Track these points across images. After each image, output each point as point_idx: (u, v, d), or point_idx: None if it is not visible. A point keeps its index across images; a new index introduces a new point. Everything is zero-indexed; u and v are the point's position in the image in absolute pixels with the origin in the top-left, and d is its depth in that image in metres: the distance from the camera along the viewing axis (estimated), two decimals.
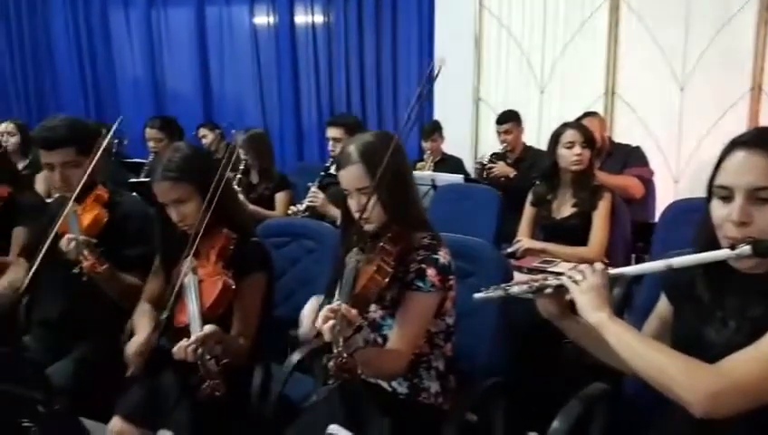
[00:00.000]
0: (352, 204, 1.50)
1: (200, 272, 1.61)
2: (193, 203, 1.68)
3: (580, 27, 4.44)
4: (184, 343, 1.43)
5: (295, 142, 5.46)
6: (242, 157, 3.50)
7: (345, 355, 1.18)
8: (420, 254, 1.46)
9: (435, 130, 4.35)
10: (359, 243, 1.47)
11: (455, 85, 4.67)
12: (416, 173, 3.94)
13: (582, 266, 1.23)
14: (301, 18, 5.32)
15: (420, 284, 1.43)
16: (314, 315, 1.40)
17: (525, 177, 3.62)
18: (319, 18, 5.25)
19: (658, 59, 4.18)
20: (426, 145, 4.36)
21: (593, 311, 1.16)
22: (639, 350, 1.10)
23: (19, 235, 2.34)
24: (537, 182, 2.94)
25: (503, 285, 1.37)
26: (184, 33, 5.56)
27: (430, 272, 1.43)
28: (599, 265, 1.22)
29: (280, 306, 2.08)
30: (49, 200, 2.73)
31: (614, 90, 4.42)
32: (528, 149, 4.05)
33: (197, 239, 1.63)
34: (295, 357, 1.75)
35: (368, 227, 1.49)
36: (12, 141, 3.91)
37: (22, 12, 5.76)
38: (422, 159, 4.41)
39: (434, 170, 4.13)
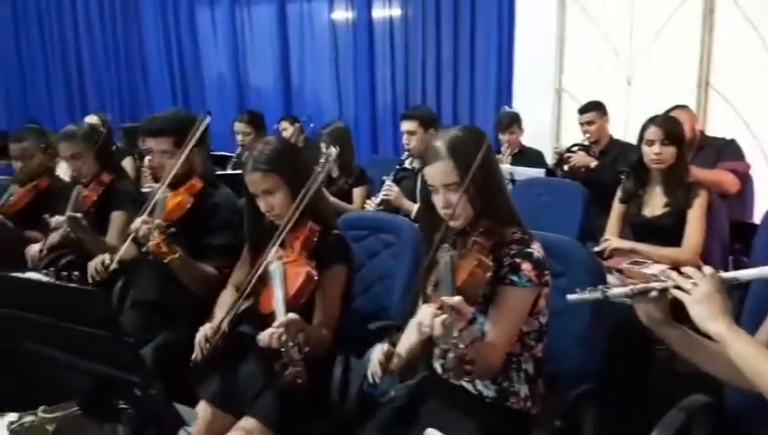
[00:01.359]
0: (438, 200, 1.46)
1: (284, 261, 1.64)
2: (281, 194, 1.72)
3: (672, 14, 4.19)
4: (269, 330, 1.45)
5: (370, 136, 5.49)
6: (323, 151, 3.54)
7: (462, 346, 1.14)
8: (513, 248, 1.41)
9: (513, 121, 4.22)
10: (446, 239, 1.43)
11: (535, 75, 4.54)
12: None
13: (690, 271, 1.14)
14: (378, 12, 5.35)
15: (515, 278, 1.39)
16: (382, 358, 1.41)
17: (609, 170, 3.47)
18: (397, 12, 5.25)
19: (757, 47, 3.87)
20: (503, 137, 4.25)
21: (711, 321, 1.09)
22: (763, 367, 1.02)
23: (117, 218, 2.53)
24: (623, 177, 2.83)
25: (600, 286, 1.31)
26: (265, 29, 5.72)
27: (525, 266, 1.39)
28: (708, 269, 1.13)
29: (357, 299, 2.08)
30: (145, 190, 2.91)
31: (708, 81, 4.15)
32: (614, 141, 3.86)
33: (286, 229, 1.67)
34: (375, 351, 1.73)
35: (454, 224, 1.46)
36: None
37: (116, 13, 6.11)
38: (499, 152, 4.32)
39: (512, 164, 4.03)
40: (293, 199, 1.73)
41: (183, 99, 6.06)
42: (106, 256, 2.09)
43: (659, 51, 4.25)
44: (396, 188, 3.18)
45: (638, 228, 2.61)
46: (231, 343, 1.90)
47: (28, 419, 2.28)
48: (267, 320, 1.55)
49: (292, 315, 1.47)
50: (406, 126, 3.25)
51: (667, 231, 2.49)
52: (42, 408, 2.30)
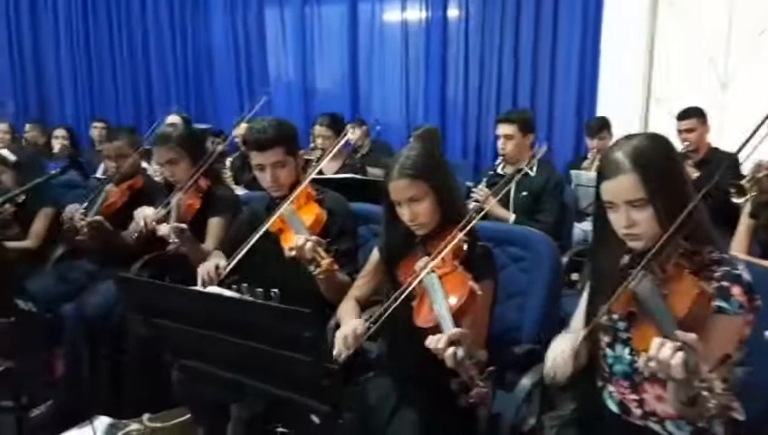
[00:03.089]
0: (619, 218, 1.32)
1: (438, 272, 1.52)
2: (426, 202, 1.62)
3: None
4: (436, 336, 1.32)
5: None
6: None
7: (720, 389, 0.97)
8: (718, 270, 1.26)
9: (603, 127, 4.09)
10: (635, 263, 1.29)
11: (624, 80, 4.35)
12: (585, 174, 3.71)
13: None
14: (453, 12, 5.19)
15: (724, 304, 1.23)
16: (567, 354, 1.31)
17: (711, 181, 3.27)
18: (473, 12, 5.07)
19: None
20: (591, 143, 4.10)
21: None
22: None
23: (215, 225, 2.44)
24: (732, 190, 2.66)
25: None
26: (335, 29, 5.61)
27: (735, 290, 1.23)
28: None
29: None
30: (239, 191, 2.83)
31: None
32: (714, 150, 3.66)
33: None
34: (527, 381, 1.60)
35: (635, 245, 1.32)
36: None
37: (186, 9, 6.07)
38: (585, 158, 4.17)
39: None
40: (439, 207, 1.64)
41: (249, 98, 5.97)
42: (219, 261, 2.00)
43: (759, 55, 4.02)
44: (491, 198, 3.05)
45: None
46: (352, 359, 1.80)
47: (134, 426, 2.24)
48: (422, 334, 1.42)
49: (463, 330, 1.33)
50: (503, 129, 3.12)
51: None
52: (146, 416, 2.26)
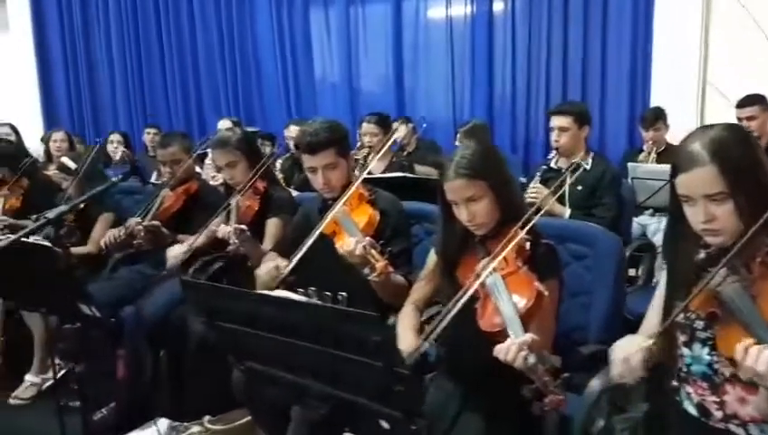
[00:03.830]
0: (696, 213, 1.25)
1: (501, 273, 1.47)
2: (485, 201, 1.59)
3: None
4: (508, 342, 1.29)
5: None
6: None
7: None
8: None
9: (658, 117, 3.94)
10: (712, 261, 1.22)
11: (677, 67, 4.19)
12: (641, 167, 3.59)
13: None
14: (499, 6, 5.10)
15: None
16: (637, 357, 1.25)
17: None
18: (519, 4, 4.98)
19: None
20: (647, 134, 3.97)
21: None
22: None
23: (273, 225, 2.47)
24: None
25: None
26: (380, 28, 5.59)
27: None
28: None
29: None
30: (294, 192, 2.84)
31: None
32: None
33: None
34: (596, 383, 1.53)
35: (714, 241, 1.25)
36: None
37: (232, 17, 6.13)
38: (641, 150, 4.04)
39: (656, 162, 3.77)
40: (498, 206, 1.60)
41: (295, 101, 6.02)
42: (279, 261, 2.00)
43: None
44: (545, 191, 2.98)
45: None
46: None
47: (194, 428, 2.27)
48: (487, 338, 1.38)
49: (532, 335, 1.29)
50: (557, 121, 3.02)
51: None
52: (207, 418, 2.29)
